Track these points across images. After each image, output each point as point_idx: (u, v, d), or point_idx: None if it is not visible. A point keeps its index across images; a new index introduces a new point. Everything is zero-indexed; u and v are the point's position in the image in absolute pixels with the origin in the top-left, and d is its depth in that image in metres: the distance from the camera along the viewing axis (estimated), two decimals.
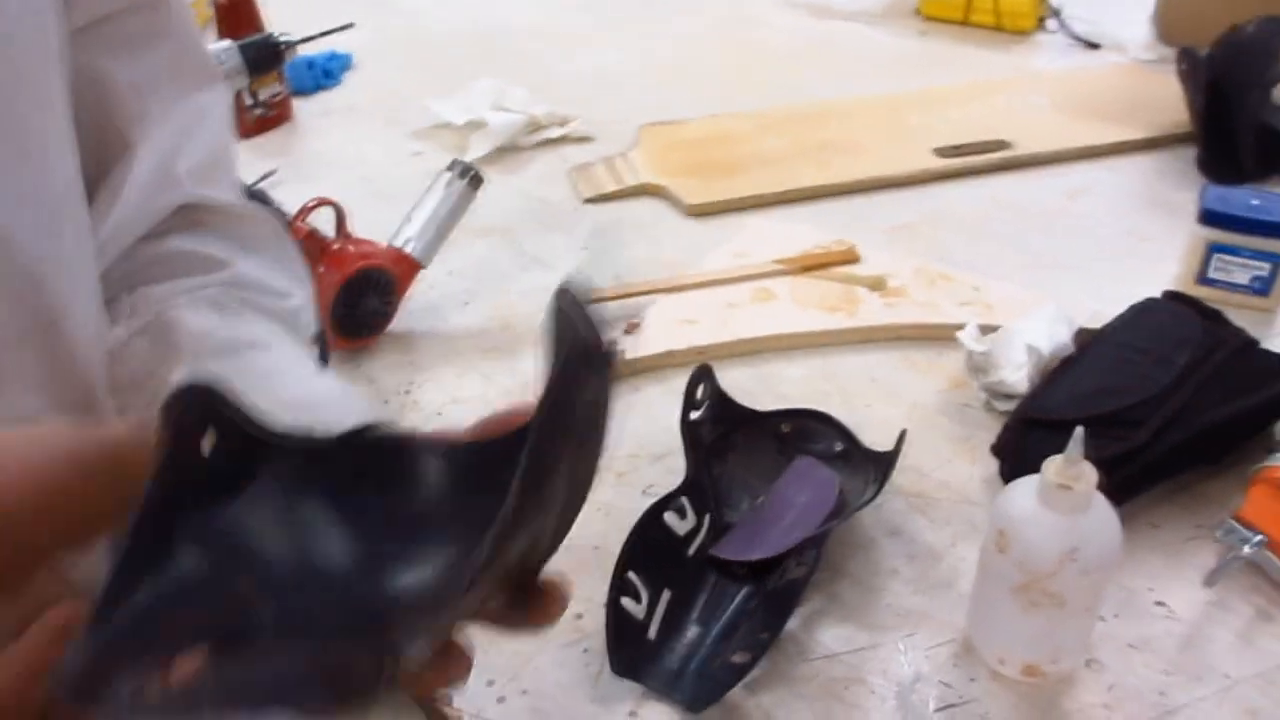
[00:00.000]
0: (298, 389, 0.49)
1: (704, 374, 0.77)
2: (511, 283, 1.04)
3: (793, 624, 0.67)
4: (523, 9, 1.74)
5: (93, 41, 0.46)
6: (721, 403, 0.79)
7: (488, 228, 1.11)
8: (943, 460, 0.80)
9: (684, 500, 0.72)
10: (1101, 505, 0.60)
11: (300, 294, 0.57)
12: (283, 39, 1.29)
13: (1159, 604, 0.69)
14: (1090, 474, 0.58)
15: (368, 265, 0.92)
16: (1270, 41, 1.21)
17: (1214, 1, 1.38)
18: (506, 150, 1.29)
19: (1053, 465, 0.59)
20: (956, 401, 0.86)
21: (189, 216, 0.52)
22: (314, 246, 0.92)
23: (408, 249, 0.95)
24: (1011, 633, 0.63)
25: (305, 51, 1.38)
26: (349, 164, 1.30)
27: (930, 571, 0.71)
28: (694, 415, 0.76)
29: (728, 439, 0.78)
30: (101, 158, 0.47)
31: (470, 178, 0.98)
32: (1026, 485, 0.60)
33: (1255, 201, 0.95)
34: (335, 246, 0.93)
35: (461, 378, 0.92)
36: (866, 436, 0.79)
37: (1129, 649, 0.66)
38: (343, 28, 1.40)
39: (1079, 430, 0.57)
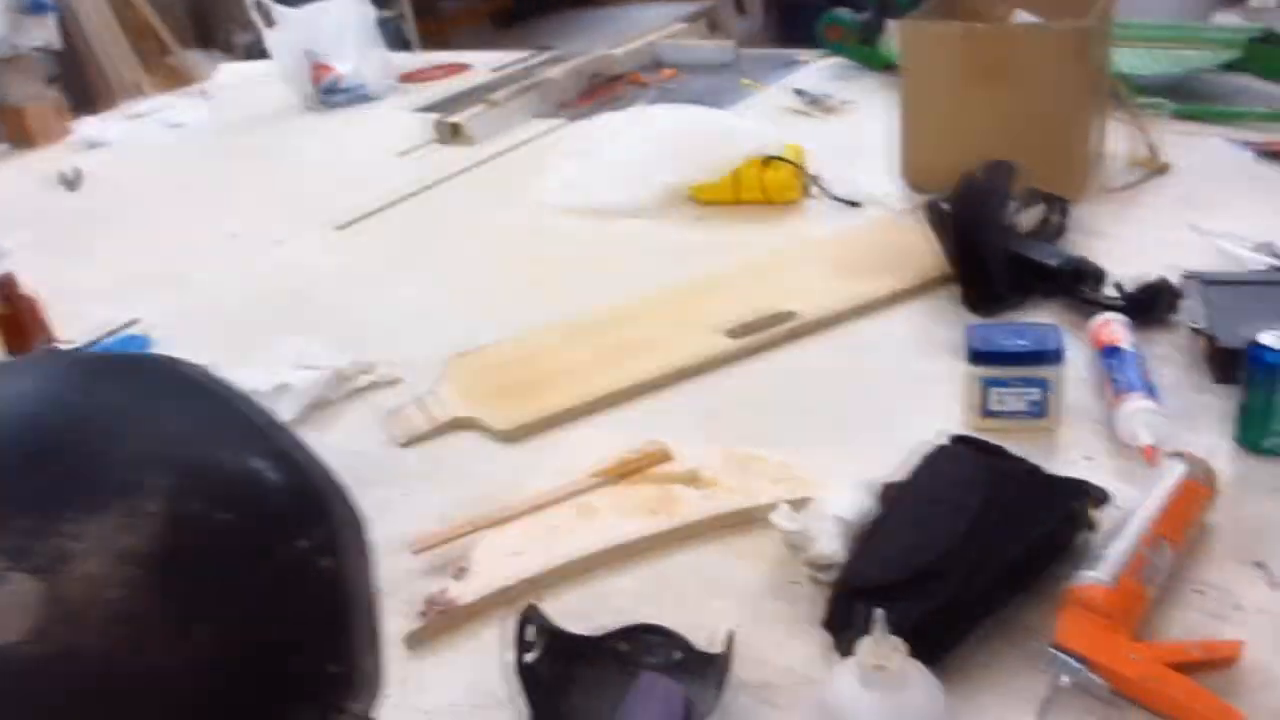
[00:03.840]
0: None
1: (531, 615, 0.77)
2: None
3: None
4: (313, 263, 1.75)
5: None
6: (554, 637, 0.79)
7: None
8: (780, 644, 0.82)
9: None
10: (918, 674, 0.62)
11: None
12: (69, 347, 1.28)
13: None
14: (900, 648, 0.61)
15: None
16: (998, 182, 1.34)
17: (943, 153, 1.52)
18: (317, 407, 1.28)
19: (864, 646, 0.61)
20: (784, 581, 0.89)
21: None
22: None
23: None
24: None
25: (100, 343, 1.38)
26: None
27: None
28: (528, 657, 0.76)
29: (568, 672, 0.78)
30: None
31: None
32: (847, 669, 0.63)
33: (1011, 335, 1.04)
34: None
35: None
36: (705, 635, 0.80)
37: None
38: (126, 324, 1.40)
39: (879, 611, 0.60)
